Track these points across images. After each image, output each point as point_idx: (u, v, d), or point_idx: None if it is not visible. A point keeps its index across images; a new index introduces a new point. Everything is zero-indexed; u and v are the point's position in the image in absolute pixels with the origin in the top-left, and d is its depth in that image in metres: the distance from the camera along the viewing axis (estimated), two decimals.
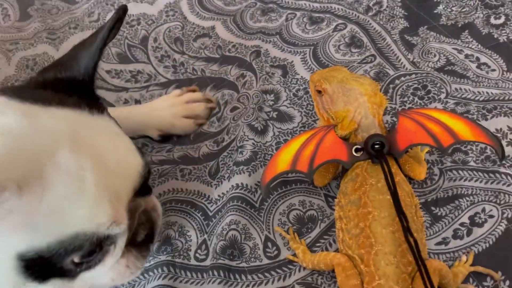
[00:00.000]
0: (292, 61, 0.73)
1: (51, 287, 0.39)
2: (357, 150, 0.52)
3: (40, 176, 0.35)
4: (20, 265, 0.37)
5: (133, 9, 0.85)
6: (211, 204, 0.60)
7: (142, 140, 0.69)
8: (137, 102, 0.74)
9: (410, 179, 0.57)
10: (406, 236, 0.46)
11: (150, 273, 0.55)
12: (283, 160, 0.53)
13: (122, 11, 0.45)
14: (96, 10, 0.86)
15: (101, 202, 0.37)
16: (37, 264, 0.37)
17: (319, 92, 0.54)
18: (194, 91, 0.72)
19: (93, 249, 0.38)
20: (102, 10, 0.85)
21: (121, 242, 0.41)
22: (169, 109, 0.68)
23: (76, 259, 0.38)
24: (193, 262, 0.55)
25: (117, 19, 0.44)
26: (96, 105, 0.43)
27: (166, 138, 0.68)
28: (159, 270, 0.55)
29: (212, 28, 0.80)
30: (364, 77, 0.55)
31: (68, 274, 0.39)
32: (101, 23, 0.84)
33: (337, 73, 0.54)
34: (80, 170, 0.37)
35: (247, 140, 0.64)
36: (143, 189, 0.44)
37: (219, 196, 0.60)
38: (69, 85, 0.44)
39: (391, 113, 0.64)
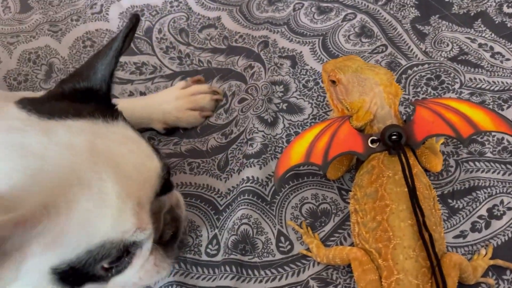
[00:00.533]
0: (301, 52, 0.71)
1: None
2: (373, 142, 0.51)
3: (64, 193, 0.36)
4: (54, 278, 0.38)
5: (137, 0, 0.83)
6: (221, 198, 0.58)
7: (148, 134, 0.68)
8: (142, 94, 0.72)
9: (426, 171, 0.55)
10: (420, 231, 0.45)
11: None
12: (296, 152, 0.51)
13: (136, 19, 0.45)
14: (98, 2, 0.84)
15: (124, 211, 0.38)
16: (70, 274, 0.38)
17: (333, 82, 0.53)
18: (199, 81, 0.70)
19: (121, 255, 0.40)
20: (105, 2, 0.83)
21: (148, 245, 0.42)
22: (174, 102, 0.66)
23: (106, 265, 0.39)
24: (204, 257, 0.54)
25: (130, 28, 0.45)
26: (111, 112, 0.44)
27: (172, 131, 0.67)
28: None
29: (218, 19, 0.79)
30: (379, 66, 0.53)
31: (100, 279, 0.41)
32: (103, 14, 0.82)
33: (351, 63, 0.53)
34: (100, 181, 0.38)
35: (256, 132, 0.62)
36: (164, 187, 0.44)
37: (229, 189, 0.59)
38: (86, 95, 0.45)
39: (404, 103, 0.63)
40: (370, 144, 0.51)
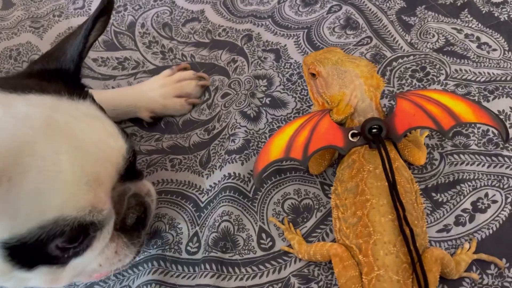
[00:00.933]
0: (285, 45, 0.70)
1: (40, 275, 0.40)
2: (353, 135, 0.50)
3: (16, 163, 0.35)
4: (5, 254, 0.37)
5: None
6: (203, 194, 0.57)
7: (130, 130, 0.67)
8: None
9: (409, 165, 0.55)
10: (401, 226, 0.44)
11: (140, 268, 0.53)
12: (276, 147, 0.50)
13: (108, 1, 0.45)
14: None
15: (78, 186, 0.37)
16: (21, 252, 0.37)
17: (313, 75, 0.52)
18: (185, 68, 0.69)
19: (76, 234, 0.38)
20: None
21: (108, 227, 0.40)
22: (160, 89, 0.65)
23: (60, 244, 0.38)
24: (184, 255, 0.53)
25: (101, 9, 0.44)
26: (79, 92, 0.43)
27: (157, 121, 0.66)
28: (149, 264, 0.53)
29: (201, 12, 0.77)
30: (360, 58, 0.52)
31: (56, 261, 0.39)
32: (86, 10, 0.80)
33: (332, 55, 0.51)
34: (54, 154, 0.36)
35: (239, 128, 0.61)
36: (131, 173, 0.43)
37: (210, 186, 0.58)
38: (55, 75, 0.44)
39: (388, 96, 0.62)
40: (350, 138, 0.50)
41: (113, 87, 0.71)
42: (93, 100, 0.44)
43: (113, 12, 0.79)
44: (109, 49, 0.75)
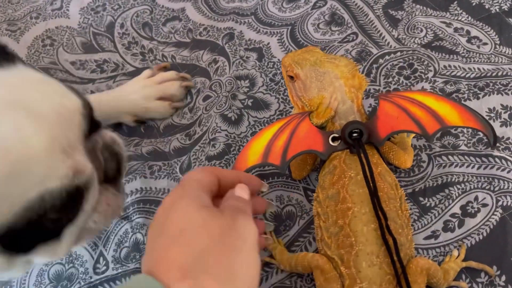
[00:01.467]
0: (268, 43, 0.67)
1: (40, 253, 0.38)
2: (334, 139, 0.47)
3: None
4: None
5: None
6: None
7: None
8: None
9: (396, 168, 0.52)
10: (383, 235, 0.42)
11: (117, 282, 0.51)
12: (254, 153, 0.48)
13: None
14: None
15: (53, 156, 0.34)
16: (15, 238, 0.35)
17: (291, 77, 0.49)
18: (165, 67, 0.67)
19: (66, 203, 0.36)
20: None
21: (94, 185, 0.39)
22: (141, 91, 0.63)
23: (53, 216, 0.36)
24: None
25: None
26: (4, 56, 0.39)
27: (136, 128, 0.64)
28: (127, 279, 0.51)
29: (182, 10, 0.75)
30: (340, 57, 0.50)
31: (52, 235, 0.38)
32: (64, 11, 0.78)
33: (310, 55, 0.49)
34: (17, 131, 0.34)
35: (219, 132, 0.59)
36: (92, 126, 0.41)
37: None
38: None
39: (374, 95, 0.59)
40: (331, 142, 0.47)
41: (92, 91, 0.69)
42: (24, 62, 0.41)
43: (92, 12, 0.77)
44: (88, 52, 0.73)
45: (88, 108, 0.40)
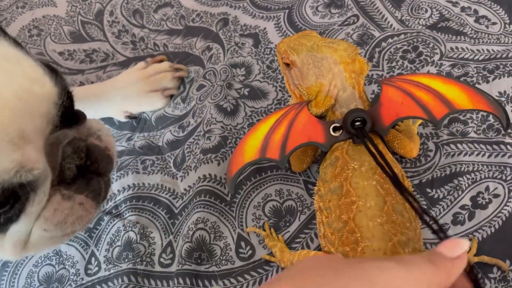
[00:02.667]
0: (265, 28, 0.64)
1: None
2: (335, 129, 0.44)
3: None
4: None
5: None
6: (177, 199, 0.52)
7: None
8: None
9: (401, 157, 0.49)
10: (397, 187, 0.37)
11: (110, 284, 0.48)
12: (251, 148, 0.45)
13: None
14: None
15: None
16: None
17: (287, 65, 0.46)
18: (161, 61, 0.63)
19: (4, 200, 0.33)
20: None
21: (44, 187, 0.35)
22: (134, 85, 0.60)
23: None
24: (157, 268, 0.49)
25: None
26: None
27: (134, 118, 0.61)
28: (119, 280, 0.48)
29: None
30: (339, 41, 0.46)
31: None
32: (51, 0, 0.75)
33: (306, 40, 0.46)
34: None
35: (214, 124, 0.56)
36: (69, 118, 0.37)
37: (185, 189, 0.53)
38: None
39: (378, 81, 0.56)
40: (332, 133, 0.44)
41: (81, 82, 0.66)
42: (9, 37, 0.36)
43: (80, 0, 0.74)
44: (76, 41, 0.70)
45: (64, 98, 0.36)
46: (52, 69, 0.36)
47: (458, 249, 0.30)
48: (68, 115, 0.36)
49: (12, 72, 0.34)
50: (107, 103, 0.60)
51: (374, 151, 0.42)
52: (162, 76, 0.61)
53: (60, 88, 0.35)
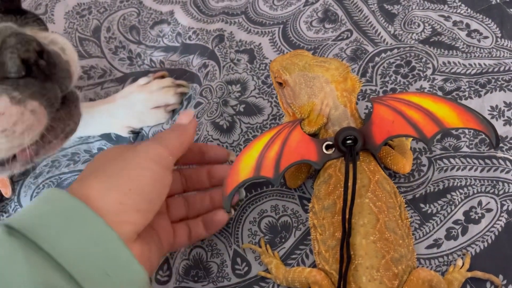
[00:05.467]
0: (260, 44, 0.65)
1: None
2: (328, 147, 0.45)
3: None
4: None
5: None
6: None
7: (98, 144, 0.62)
8: (92, 101, 0.66)
9: (394, 173, 0.50)
10: (341, 250, 0.41)
11: None
12: (245, 166, 0.46)
13: None
14: (43, 2, 0.77)
15: None
16: None
17: (280, 84, 0.47)
18: (163, 77, 0.64)
19: None
20: (49, 1, 0.77)
21: None
22: (137, 101, 0.61)
23: None
24: (154, 285, 0.49)
25: None
26: None
27: (137, 134, 0.62)
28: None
29: (170, 13, 0.72)
30: (331, 60, 0.47)
31: None
32: (49, 15, 0.75)
33: (299, 60, 0.46)
34: None
35: (211, 141, 0.57)
36: (15, 12, 0.34)
37: None
38: None
39: (371, 96, 0.57)
40: (325, 151, 0.45)
41: None
42: None
43: (77, 16, 0.75)
44: None
45: None
46: None
47: (189, 116, 0.45)
48: (15, 9, 0.33)
49: None
50: (110, 119, 0.61)
51: (350, 176, 0.42)
52: (165, 91, 0.62)
53: None
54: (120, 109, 0.61)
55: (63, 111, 0.37)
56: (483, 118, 0.43)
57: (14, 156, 0.36)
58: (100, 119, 0.61)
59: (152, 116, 0.61)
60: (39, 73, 0.33)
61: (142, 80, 0.63)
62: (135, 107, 0.61)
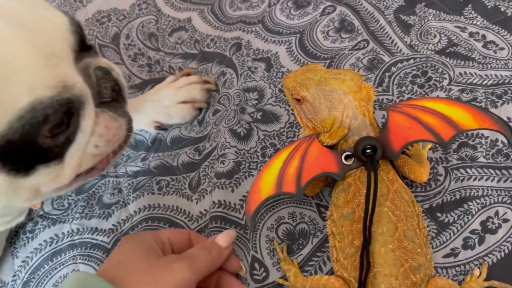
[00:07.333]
0: (277, 52, 0.66)
1: (42, 177, 0.38)
2: (347, 157, 0.46)
3: None
4: None
5: (103, 5, 0.78)
6: (192, 221, 0.54)
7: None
8: None
9: (411, 182, 0.51)
10: (361, 258, 0.41)
11: None
12: (266, 183, 0.46)
13: None
14: (64, 9, 0.79)
15: (38, 63, 0.34)
16: (12, 153, 0.35)
17: (298, 100, 0.47)
18: (189, 74, 0.66)
19: (61, 118, 0.36)
20: (70, 8, 0.79)
21: (89, 102, 0.39)
22: (165, 96, 0.62)
23: (48, 133, 0.36)
24: None
25: None
26: None
27: (165, 130, 0.63)
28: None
29: (188, 20, 0.73)
30: (344, 71, 0.48)
31: (51, 155, 0.38)
32: None
33: (313, 74, 0.47)
34: None
35: (229, 148, 0.57)
36: (85, 48, 0.41)
37: (200, 212, 0.54)
38: None
39: (385, 106, 0.57)
40: (344, 161, 0.46)
41: None
42: None
43: (97, 23, 0.76)
44: None
45: (76, 26, 0.39)
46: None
47: (229, 239, 0.47)
48: (83, 45, 0.40)
49: (24, 2, 0.37)
50: (138, 114, 0.62)
51: (372, 182, 0.43)
52: (192, 87, 0.63)
53: (69, 17, 0.39)
54: (147, 104, 0.62)
55: None
56: (497, 117, 0.43)
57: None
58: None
59: (179, 111, 0.62)
60: (116, 95, 0.43)
61: (169, 78, 0.65)
62: (162, 101, 0.62)
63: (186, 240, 0.47)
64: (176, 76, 0.65)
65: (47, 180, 0.39)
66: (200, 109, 0.63)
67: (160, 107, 0.62)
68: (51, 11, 0.39)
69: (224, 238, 0.46)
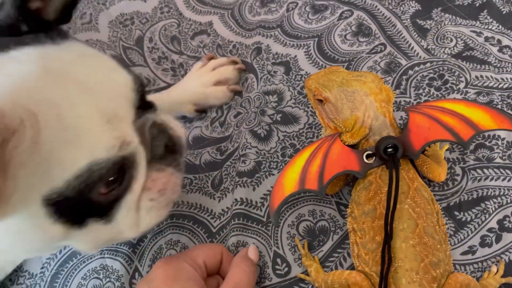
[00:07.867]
0: (296, 56, 0.68)
1: (96, 232, 0.41)
2: (368, 156, 0.47)
3: (34, 117, 0.34)
4: (51, 211, 0.37)
5: (126, 8, 0.80)
6: (215, 219, 0.56)
7: None
8: None
9: (430, 181, 0.52)
10: (383, 254, 0.43)
11: None
12: (290, 181, 0.48)
13: None
14: (87, 11, 0.81)
15: (101, 127, 0.36)
16: (67, 208, 0.37)
17: (320, 100, 0.49)
18: (212, 58, 0.69)
19: (115, 175, 0.38)
20: (93, 10, 0.81)
21: (142, 161, 0.41)
22: (198, 80, 0.65)
23: (103, 190, 0.38)
24: None
25: None
26: (57, 33, 0.41)
27: (204, 112, 0.66)
28: None
29: (209, 24, 0.75)
30: (365, 73, 0.49)
31: (102, 211, 0.40)
32: (93, 24, 0.79)
33: (335, 76, 0.49)
34: (67, 100, 0.36)
35: (250, 148, 0.59)
36: (145, 104, 0.43)
37: (223, 210, 0.56)
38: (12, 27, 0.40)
39: (405, 107, 0.59)
40: (365, 160, 0.47)
41: None
42: (75, 38, 0.43)
43: (121, 26, 0.78)
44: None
45: (138, 84, 0.41)
46: (120, 63, 0.42)
47: (257, 252, 0.51)
48: (143, 101, 0.42)
49: (93, 65, 0.39)
50: (176, 101, 0.65)
51: (394, 180, 0.44)
52: (224, 68, 0.66)
53: (133, 76, 0.42)
54: (185, 88, 0.65)
55: None
56: None
57: None
58: (168, 103, 0.64)
59: (215, 91, 0.65)
60: (171, 150, 0.45)
61: (197, 64, 0.68)
62: (198, 84, 0.65)
63: (219, 260, 0.49)
64: (203, 62, 0.68)
65: (105, 234, 0.42)
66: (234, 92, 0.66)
67: (197, 89, 0.65)
68: (118, 71, 0.41)
69: (254, 252, 0.50)
